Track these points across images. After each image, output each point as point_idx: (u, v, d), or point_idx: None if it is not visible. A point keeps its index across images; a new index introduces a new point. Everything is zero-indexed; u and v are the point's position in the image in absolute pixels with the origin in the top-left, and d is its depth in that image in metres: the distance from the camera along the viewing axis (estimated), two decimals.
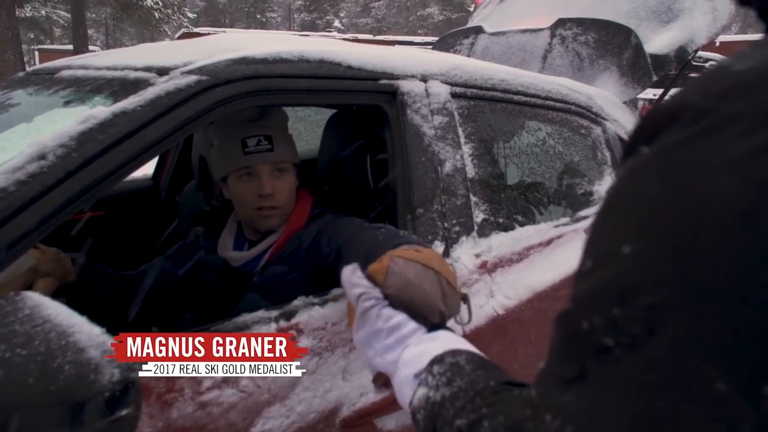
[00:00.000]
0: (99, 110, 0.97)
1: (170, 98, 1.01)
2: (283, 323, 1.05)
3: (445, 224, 1.33)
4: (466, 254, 1.34)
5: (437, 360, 0.70)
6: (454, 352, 0.72)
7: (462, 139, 1.43)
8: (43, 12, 23.28)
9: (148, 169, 2.39)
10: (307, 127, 2.64)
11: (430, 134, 1.35)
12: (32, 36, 25.78)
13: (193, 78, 1.05)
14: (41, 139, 0.91)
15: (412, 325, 0.81)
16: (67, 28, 25.50)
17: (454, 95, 1.45)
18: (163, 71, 1.10)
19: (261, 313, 1.05)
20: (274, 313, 1.06)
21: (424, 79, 1.40)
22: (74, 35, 19.83)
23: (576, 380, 0.33)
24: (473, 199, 1.41)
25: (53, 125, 1.21)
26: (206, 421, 0.93)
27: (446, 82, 1.45)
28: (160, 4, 21.76)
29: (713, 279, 0.28)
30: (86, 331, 0.68)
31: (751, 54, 0.33)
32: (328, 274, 1.21)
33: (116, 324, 1.41)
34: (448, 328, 0.84)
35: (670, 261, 0.29)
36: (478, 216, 1.41)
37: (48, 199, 0.87)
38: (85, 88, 1.20)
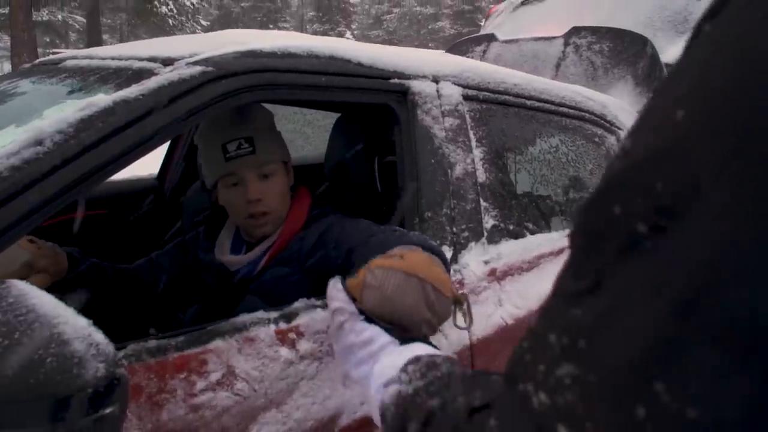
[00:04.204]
0: (99, 98, 0.94)
1: (173, 88, 0.98)
2: (283, 325, 1.01)
3: (454, 229, 1.29)
4: (474, 261, 1.30)
5: (412, 361, 0.68)
6: (431, 355, 0.70)
7: (473, 143, 1.39)
8: (59, 16, 23.53)
9: (153, 168, 2.37)
10: (315, 131, 2.61)
11: (440, 136, 1.32)
12: (48, 40, 26.02)
13: (198, 69, 1.02)
14: (39, 124, 0.88)
15: (384, 338, 0.78)
16: (82, 33, 25.73)
17: (466, 97, 1.41)
18: (168, 62, 1.06)
19: (260, 314, 1.00)
20: (274, 314, 1.01)
21: (435, 80, 1.36)
22: (89, 40, 20.00)
23: (588, 291, 0.28)
24: (483, 204, 1.37)
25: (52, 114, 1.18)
26: (198, 425, 0.88)
27: (458, 84, 1.41)
28: (175, 11, 21.97)
29: None
30: (72, 323, 0.64)
31: None
32: (334, 275, 1.17)
33: (112, 318, 1.37)
34: (427, 341, 0.81)
35: (744, 119, 0.23)
36: (488, 222, 1.37)
37: (43, 186, 0.84)
38: (87, 78, 1.17)
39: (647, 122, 0.28)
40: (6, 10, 16.89)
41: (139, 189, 2.30)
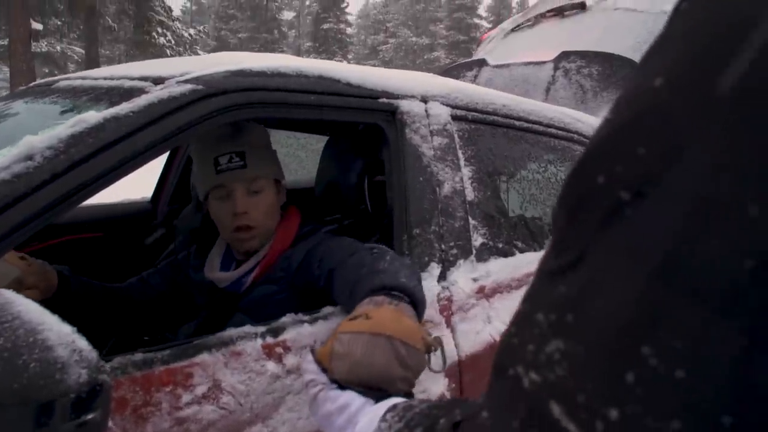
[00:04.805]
0: (90, 115, 0.95)
1: (163, 106, 1.00)
2: (270, 339, 1.01)
3: (443, 246, 1.30)
4: (463, 278, 1.31)
5: (390, 409, 0.67)
6: (407, 401, 0.70)
7: (462, 162, 1.41)
8: (58, 47, 23.76)
9: (146, 191, 2.38)
10: (308, 155, 2.64)
11: (429, 155, 1.33)
12: (47, 71, 26.22)
13: (188, 87, 1.04)
14: (30, 140, 0.90)
15: (359, 400, 0.78)
16: (81, 64, 25.97)
17: (454, 117, 1.44)
18: (159, 81, 1.08)
19: (247, 329, 1.01)
20: (261, 329, 1.02)
21: (424, 99, 1.39)
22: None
23: (572, 265, 0.27)
24: (472, 222, 1.38)
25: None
26: None
27: (447, 104, 1.43)
28: (173, 42, 22.24)
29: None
30: (56, 330, 0.64)
31: None
32: (318, 295, 1.18)
33: (103, 336, 1.37)
34: (404, 397, 0.80)
35: (721, 80, 0.23)
36: (477, 240, 1.38)
37: (32, 200, 0.85)
38: (79, 97, 1.19)
39: (628, 94, 0.29)
40: (5, 42, 17.08)
41: (132, 212, 2.32)
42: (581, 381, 0.25)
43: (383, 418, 0.65)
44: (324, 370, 0.83)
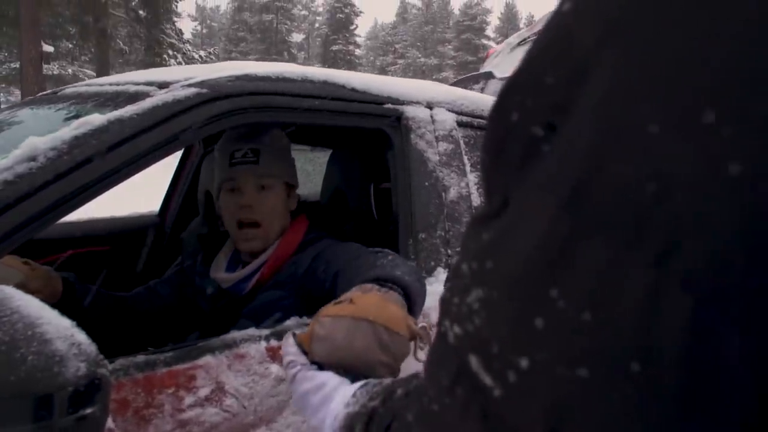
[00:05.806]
0: (94, 117, 0.96)
1: (168, 108, 1.00)
2: (274, 342, 1.00)
3: (449, 251, 1.29)
4: None
5: (362, 386, 0.66)
6: (380, 380, 0.69)
7: (467, 168, 1.40)
8: (69, 70, 24.05)
9: (154, 205, 2.39)
10: (316, 169, 2.64)
11: (434, 160, 1.33)
12: None
13: (192, 90, 1.04)
14: (33, 141, 0.90)
15: (336, 379, 0.76)
16: None
17: (460, 124, 1.43)
18: (163, 85, 1.09)
19: (251, 331, 1.00)
20: (265, 331, 1.01)
21: (429, 106, 1.39)
22: None
23: (496, 212, 0.25)
24: None
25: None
26: None
27: (452, 111, 1.43)
28: (183, 64, 22.50)
29: None
30: (54, 323, 0.64)
31: None
32: (324, 300, 1.17)
33: (108, 345, 1.36)
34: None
35: None
36: None
37: (35, 200, 0.85)
38: (85, 103, 1.20)
39: (543, 27, 0.27)
40: (17, 64, 17.34)
41: (140, 225, 2.32)
42: (495, 329, 0.24)
43: (354, 394, 0.64)
44: (305, 352, 0.82)
